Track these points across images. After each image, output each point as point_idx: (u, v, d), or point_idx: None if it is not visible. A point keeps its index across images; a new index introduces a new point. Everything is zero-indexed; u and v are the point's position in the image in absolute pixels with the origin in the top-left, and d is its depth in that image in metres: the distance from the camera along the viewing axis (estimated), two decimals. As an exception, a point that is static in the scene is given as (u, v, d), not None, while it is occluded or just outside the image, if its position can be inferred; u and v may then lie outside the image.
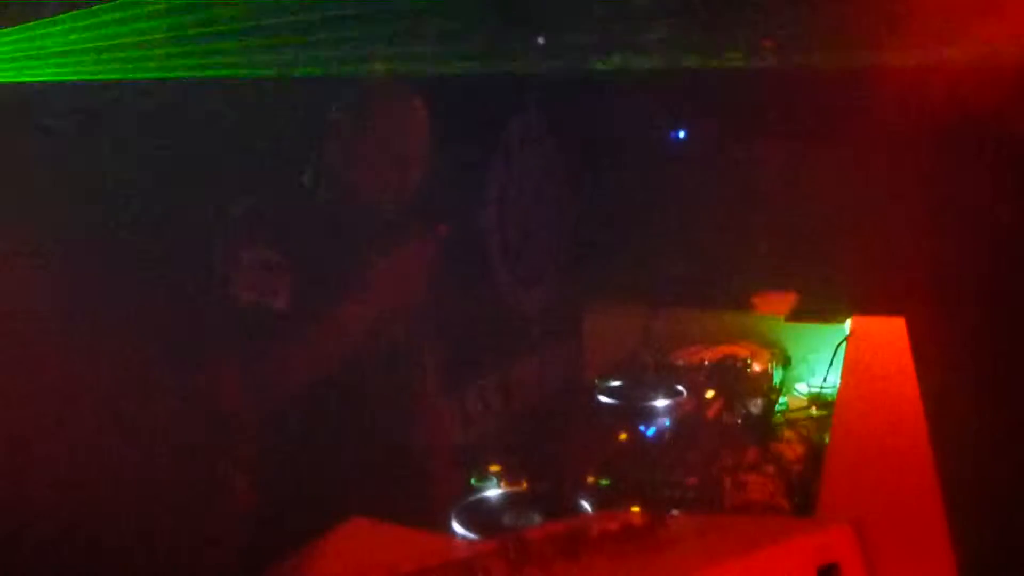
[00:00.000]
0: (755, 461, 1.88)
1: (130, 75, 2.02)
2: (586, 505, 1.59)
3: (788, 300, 3.06)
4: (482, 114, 3.13)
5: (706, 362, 2.62)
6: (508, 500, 1.61)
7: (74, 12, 1.94)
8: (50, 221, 1.91)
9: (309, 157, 2.04)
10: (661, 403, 2.20)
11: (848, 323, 2.77)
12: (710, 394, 2.26)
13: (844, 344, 2.56)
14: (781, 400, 2.39)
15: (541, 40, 3.35)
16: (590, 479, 1.72)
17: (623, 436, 1.99)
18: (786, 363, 2.70)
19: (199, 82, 2.13)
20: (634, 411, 2.18)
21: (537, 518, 1.52)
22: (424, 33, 2.67)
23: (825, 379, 2.54)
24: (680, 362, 2.66)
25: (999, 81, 3.46)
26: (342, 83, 2.24)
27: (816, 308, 2.96)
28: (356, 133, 2.03)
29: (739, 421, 2.10)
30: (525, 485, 1.69)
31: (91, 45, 2.00)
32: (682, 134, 4.18)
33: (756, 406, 2.19)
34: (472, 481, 1.70)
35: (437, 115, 2.09)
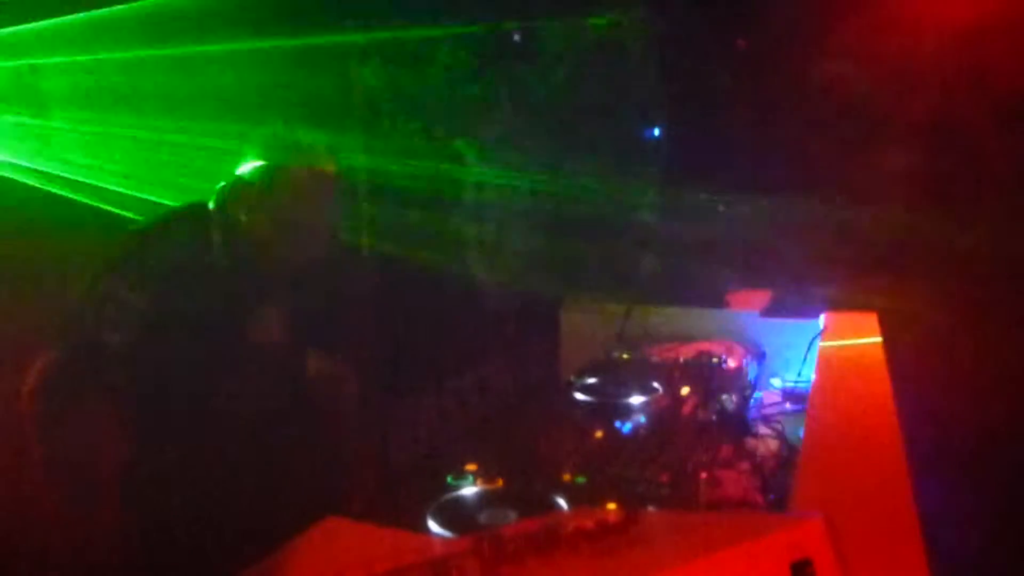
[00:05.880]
0: (730, 457, 1.89)
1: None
2: (561, 502, 1.59)
3: (762, 297, 3.08)
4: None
5: (681, 359, 2.63)
6: (483, 498, 1.61)
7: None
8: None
9: None
10: (636, 400, 2.20)
11: (822, 319, 2.79)
12: (685, 390, 2.27)
13: (818, 340, 2.59)
14: (756, 396, 2.40)
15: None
16: (565, 476, 1.72)
17: (598, 433, 1.99)
18: (760, 359, 2.72)
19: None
20: (609, 408, 2.18)
21: (512, 516, 1.52)
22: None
23: (799, 374, 2.56)
24: (655, 359, 2.67)
25: (975, 80, 3.50)
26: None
27: (790, 304, 2.98)
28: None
29: (714, 417, 2.11)
30: (500, 483, 1.68)
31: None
32: (656, 132, 4.20)
33: (731, 402, 2.20)
34: (448, 479, 1.70)
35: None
